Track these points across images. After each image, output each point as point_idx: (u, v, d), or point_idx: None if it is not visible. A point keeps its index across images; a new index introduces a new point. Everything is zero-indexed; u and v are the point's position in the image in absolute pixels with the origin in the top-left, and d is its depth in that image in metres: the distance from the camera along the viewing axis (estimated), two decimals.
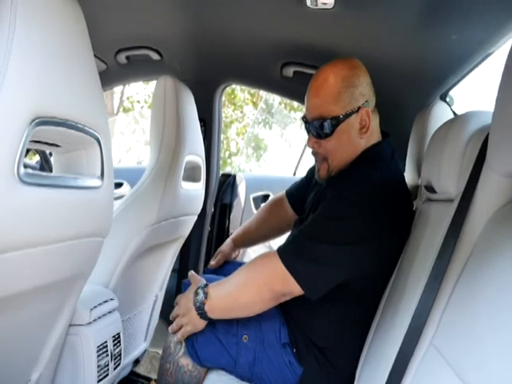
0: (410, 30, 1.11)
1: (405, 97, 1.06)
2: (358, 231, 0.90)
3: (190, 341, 1.03)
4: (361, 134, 1.02)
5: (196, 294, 0.98)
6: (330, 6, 1.07)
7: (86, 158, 0.78)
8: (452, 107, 1.25)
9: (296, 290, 0.91)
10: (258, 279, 0.95)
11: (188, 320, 0.99)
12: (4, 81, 0.56)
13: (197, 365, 1.05)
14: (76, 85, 0.70)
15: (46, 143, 0.76)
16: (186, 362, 1.05)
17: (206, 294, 0.97)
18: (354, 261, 0.91)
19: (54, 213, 0.67)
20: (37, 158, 1.81)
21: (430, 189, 0.85)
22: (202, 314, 0.97)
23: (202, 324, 0.99)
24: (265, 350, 1.02)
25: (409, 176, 1.20)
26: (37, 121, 0.61)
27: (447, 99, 1.29)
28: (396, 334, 0.73)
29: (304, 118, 1.07)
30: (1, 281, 0.62)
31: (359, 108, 1.00)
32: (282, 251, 0.94)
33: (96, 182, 0.77)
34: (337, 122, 1.00)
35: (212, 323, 1.02)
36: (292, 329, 1.04)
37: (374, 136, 1.05)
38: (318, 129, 1.01)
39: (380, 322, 0.90)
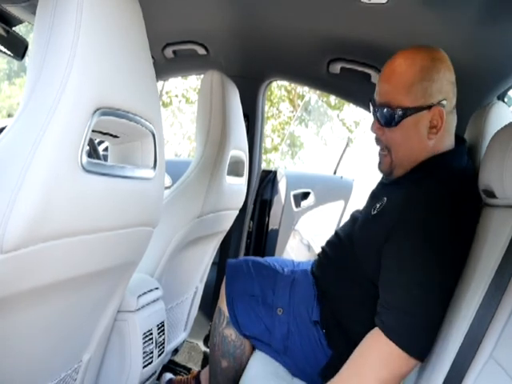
0: (469, 25, 1.06)
1: (459, 96, 1.01)
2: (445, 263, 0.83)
3: (232, 309, 1.06)
4: (430, 134, 0.94)
5: None
6: (384, 1, 1.04)
7: (141, 150, 0.80)
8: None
9: (414, 362, 0.80)
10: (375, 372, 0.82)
11: None
12: (71, 72, 0.58)
13: (239, 334, 1.07)
14: (136, 78, 0.72)
15: (103, 133, 0.78)
16: (229, 333, 1.09)
17: None
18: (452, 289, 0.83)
19: (110, 201, 0.69)
20: None
21: (490, 193, 0.81)
22: None
23: None
24: (297, 325, 1.02)
25: None
26: (100, 111, 0.62)
27: (505, 100, 1.22)
28: (450, 343, 0.70)
29: (373, 101, 1.00)
30: (56, 266, 0.64)
31: (432, 105, 0.92)
32: (389, 330, 0.82)
33: (149, 173, 0.79)
34: (403, 114, 0.93)
35: (252, 292, 1.04)
36: (324, 308, 1.02)
37: (445, 140, 0.97)
38: (384, 116, 0.95)
39: None
